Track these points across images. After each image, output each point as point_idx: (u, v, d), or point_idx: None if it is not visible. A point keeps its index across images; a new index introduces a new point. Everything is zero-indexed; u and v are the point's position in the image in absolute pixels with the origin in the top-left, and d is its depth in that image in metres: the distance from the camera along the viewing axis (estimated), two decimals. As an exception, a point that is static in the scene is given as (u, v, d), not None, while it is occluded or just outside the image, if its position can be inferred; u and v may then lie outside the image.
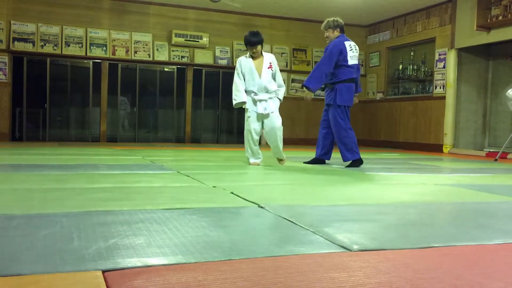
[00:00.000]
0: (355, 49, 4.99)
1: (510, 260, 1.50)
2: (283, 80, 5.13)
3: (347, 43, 4.95)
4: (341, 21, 5.08)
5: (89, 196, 2.46)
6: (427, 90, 9.36)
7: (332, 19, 5.07)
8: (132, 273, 1.24)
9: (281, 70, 10.32)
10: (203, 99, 10.02)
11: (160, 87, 9.78)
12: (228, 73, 10.15)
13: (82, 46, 9.00)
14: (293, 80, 10.38)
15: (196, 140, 10.03)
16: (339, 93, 4.91)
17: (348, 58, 4.90)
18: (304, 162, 5.25)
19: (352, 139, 4.90)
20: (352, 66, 4.95)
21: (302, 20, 10.45)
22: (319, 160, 5.20)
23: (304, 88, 4.99)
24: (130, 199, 2.41)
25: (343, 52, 4.88)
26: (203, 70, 9.91)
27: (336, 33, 5.03)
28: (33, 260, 1.33)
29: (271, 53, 10.34)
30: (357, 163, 4.90)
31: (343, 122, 4.92)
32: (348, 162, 4.96)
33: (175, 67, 9.78)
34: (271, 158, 5.89)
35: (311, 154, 7.07)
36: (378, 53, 10.63)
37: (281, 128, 4.83)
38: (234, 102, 4.89)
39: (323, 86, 5.08)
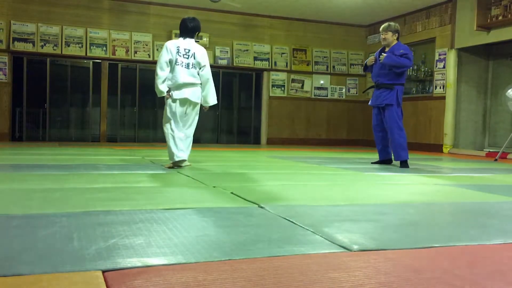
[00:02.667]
0: None
1: (510, 260, 1.50)
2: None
3: None
4: (399, 28, 5.28)
5: (89, 196, 2.46)
6: (427, 90, 9.36)
7: (393, 23, 5.23)
8: (132, 273, 1.24)
9: (281, 70, 10.45)
10: (203, 99, 10.01)
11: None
12: (228, 73, 10.15)
13: (82, 46, 9.00)
14: (293, 80, 10.38)
15: (196, 140, 9.89)
16: (399, 94, 5.13)
17: None
18: (372, 163, 5.48)
19: (405, 138, 5.13)
20: None
21: (302, 20, 10.45)
22: (386, 160, 5.39)
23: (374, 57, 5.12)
24: (130, 199, 2.40)
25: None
26: (203, 70, 9.90)
27: (394, 37, 5.17)
28: (33, 260, 1.33)
29: (271, 53, 10.42)
30: (407, 164, 5.09)
31: (400, 122, 5.14)
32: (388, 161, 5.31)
33: (175, 67, 9.77)
34: (270, 158, 5.90)
35: (311, 154, 7.06)
36: (378, 53, 10.63)
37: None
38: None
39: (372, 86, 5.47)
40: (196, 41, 4.45)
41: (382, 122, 5.33)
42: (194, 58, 4.32)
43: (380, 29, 5.24)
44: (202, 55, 4.37)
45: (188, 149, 4.51)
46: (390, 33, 5.12)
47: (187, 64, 4.31)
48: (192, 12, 9.67)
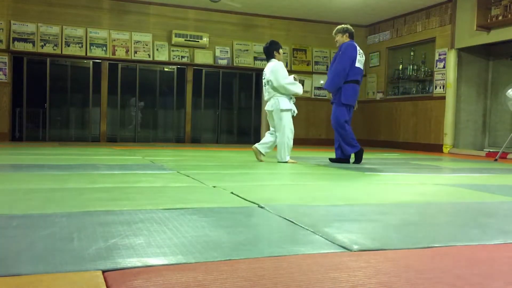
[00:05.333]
0: (362, 55, 5.34)
1: (510, 260, 1.50)
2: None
3: (358, 48, 5.31)
4: (351, 28, 5.46)
5: (89, 196, 2.46)
6: (427, 90, 9.36)
7: (341, 26, 5.45)
8: (132, 273, 1.24)
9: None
10: (203, 99, 10.02)
11: (160, 87, 9.79)
12: (228, 73, 10.15)
13: (82, 46, 9.00)
14: (293, 80, 10.38)
15: (196, 140, 10.03)
16: (343, 93, 5.22)
17: (356, 61, 5.23)
18: (330, 159, 5.58)
19: (350, 134, 5.24)
20: (358, 69, 5.26)
21: (302, 20, 10.45)
22: (343, 159, 5.45)
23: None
24: (130, 199, 2.40)
25: (353, 54, 5.21)
26: (203, 70, 9.92)
27: (346, 38, 5.36)
28: (33, 260, 1.33)
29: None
30: (359, 154, 5.24)
31: (342, 119, 5.25)
32: (344, 158, 5.38)
33: (175, 67, 9.78)
34: (270, 158, 5.91)
35: (311, 154, 7.07)
36: (378, 53, 10.63)
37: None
38: (302, 90, 5.42)
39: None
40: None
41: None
42: (265, 78, 5.32)
43: (332, 33, 5.50)
44: (267, 73, 5.25)
45: (279, 150, 5.37)
46: (339, 35, 5.37)
47: (264, 83, 5.38)
48: (192, 12, 9.69)
